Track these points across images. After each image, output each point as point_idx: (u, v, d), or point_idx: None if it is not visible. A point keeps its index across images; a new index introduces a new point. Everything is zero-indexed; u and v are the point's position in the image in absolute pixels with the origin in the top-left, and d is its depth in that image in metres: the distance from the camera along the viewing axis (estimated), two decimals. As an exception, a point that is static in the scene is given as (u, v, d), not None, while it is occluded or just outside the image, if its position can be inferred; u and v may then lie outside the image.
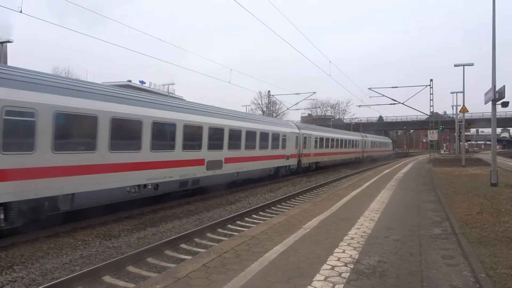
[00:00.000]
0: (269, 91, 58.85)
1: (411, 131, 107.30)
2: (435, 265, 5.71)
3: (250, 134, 18.10)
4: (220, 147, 15.56)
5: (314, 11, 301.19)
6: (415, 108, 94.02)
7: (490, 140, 24.04)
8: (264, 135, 19.63)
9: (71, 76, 43.48)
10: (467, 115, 45.75)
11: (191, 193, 14.68)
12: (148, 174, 11.58)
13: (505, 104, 15.32)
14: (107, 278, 6.52)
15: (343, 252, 6.29)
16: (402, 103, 38.59)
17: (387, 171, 27.19)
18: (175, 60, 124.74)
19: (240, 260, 5.84)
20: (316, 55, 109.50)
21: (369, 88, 38.98)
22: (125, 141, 11.00)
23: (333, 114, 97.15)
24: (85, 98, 9.61)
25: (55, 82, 9.17)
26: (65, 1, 15.37)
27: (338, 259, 5.88)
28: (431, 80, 38.21)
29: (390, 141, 68.08)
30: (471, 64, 30.96)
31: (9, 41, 27.03)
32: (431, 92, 38.01)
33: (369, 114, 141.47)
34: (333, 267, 5.50)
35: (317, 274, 5.21)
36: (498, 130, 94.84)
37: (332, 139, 32.65)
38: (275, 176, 22.04)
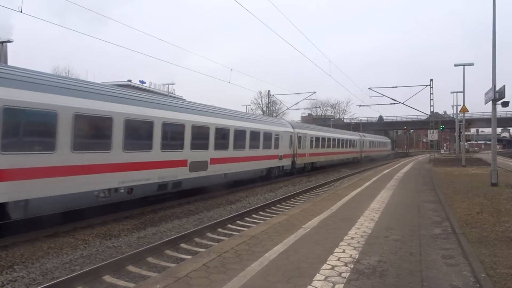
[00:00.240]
0: (269, 91, 59.28)
1: (411, 131, 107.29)
2: (435, 265, 5.71)
3: (239, 133, 17.11)
4: (205, 146, 14.51)
5: (314, 10, 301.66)
6: (415, 108, 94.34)
7: (490, 140, 24.06)
8: (254, 134, 18.57)
9: (71, 76, 43.38)
10: (467, 115, 45.86)
11: (191, 193, 14.59)
12: (121, 176, 10.56)
13: (505, 104, 15.31)
14: (107, 278, 6.53)
15: (343, 252, 6.29)
16: (402, 103, 38.75)
17: (387, 171, 27.19)
18: (175, 60, 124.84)
19: (240, 259, 5.85)
20: (316, 55, 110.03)
21: (369, 88, 39.14)
22: (91, 140, 9.93)
23: (333, 114, 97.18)
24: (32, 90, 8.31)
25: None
26: (65, 1, 15.38)
27: (338, 259, 5.88)
28: (431, 80, 38.44)
29: (389, 140, 67.96)
30: (471, 64, 30.97)
31: (9, 41, 27.03)
32: (431, 92, 38.17)
33: (369, 114, 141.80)
34: (333, 267, 5.50)
35: (317, 274, 5.21)
36: (498, 130, 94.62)
37: (329, 139, 31.88)
38: (267, 177, 20.96)
